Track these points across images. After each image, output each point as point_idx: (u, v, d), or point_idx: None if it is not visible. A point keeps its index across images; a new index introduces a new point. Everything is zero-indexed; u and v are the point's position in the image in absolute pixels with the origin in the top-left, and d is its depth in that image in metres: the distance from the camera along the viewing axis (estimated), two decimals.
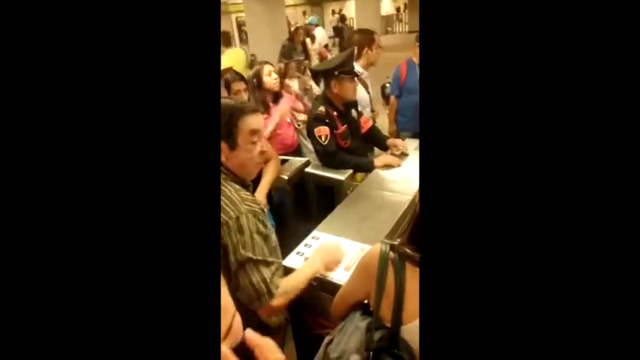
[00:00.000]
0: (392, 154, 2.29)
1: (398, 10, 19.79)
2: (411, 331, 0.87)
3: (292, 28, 5.99)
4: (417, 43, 2.88)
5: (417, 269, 0.85)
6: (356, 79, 2.19)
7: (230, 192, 1.14)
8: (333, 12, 14.63)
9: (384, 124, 3.07)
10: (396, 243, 0.90)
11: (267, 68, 2.49)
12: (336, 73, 2.09)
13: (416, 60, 2.93)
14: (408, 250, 0.86)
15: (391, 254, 0.88)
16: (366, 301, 0.99)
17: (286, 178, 2.07)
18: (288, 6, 12.32)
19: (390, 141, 2.38)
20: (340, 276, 1.29)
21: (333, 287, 1.21)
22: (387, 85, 3.25)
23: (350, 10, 16.87)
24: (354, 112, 2.30)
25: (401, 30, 17.42)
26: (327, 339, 1.02)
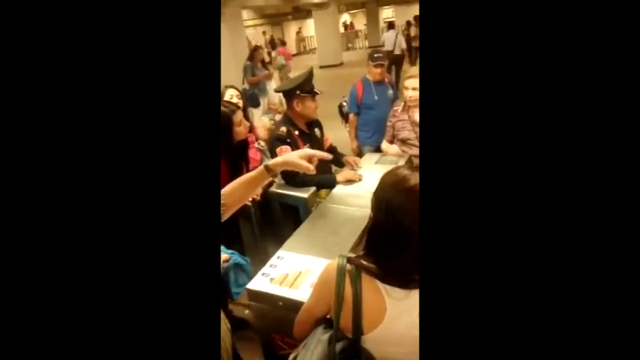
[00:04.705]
0: (351, 169, 2.37)
1: (345, 27, 19.94)
2: (371, 340, 0.90)
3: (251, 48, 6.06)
4: (371, 62, 3.00)
5: (374, 280, 0.88)
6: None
7: None
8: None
9: (338, 139, 3.11)
10: (352, 255, 0.94)
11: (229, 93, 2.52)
12: (297, 92, 2.15)
13: (370, 77, 3.05)
14: (364, 262, 0.90)
15: (348, 266, 0.91)
16: (328, 316, 1.02)
17: (250, 198, 2.08)
18: (247, 26, 12.41)
19: (346, 158, 2.48)
20: (307, 295, 1.30)
21: (301, 307, 1.22)
22: (344, 103, 3.34)
23: (309, 29, 17.19)
24: (317, 131, 2.35)
25: (361, 46, 17.83)
26: (291, 356, 1.04)
